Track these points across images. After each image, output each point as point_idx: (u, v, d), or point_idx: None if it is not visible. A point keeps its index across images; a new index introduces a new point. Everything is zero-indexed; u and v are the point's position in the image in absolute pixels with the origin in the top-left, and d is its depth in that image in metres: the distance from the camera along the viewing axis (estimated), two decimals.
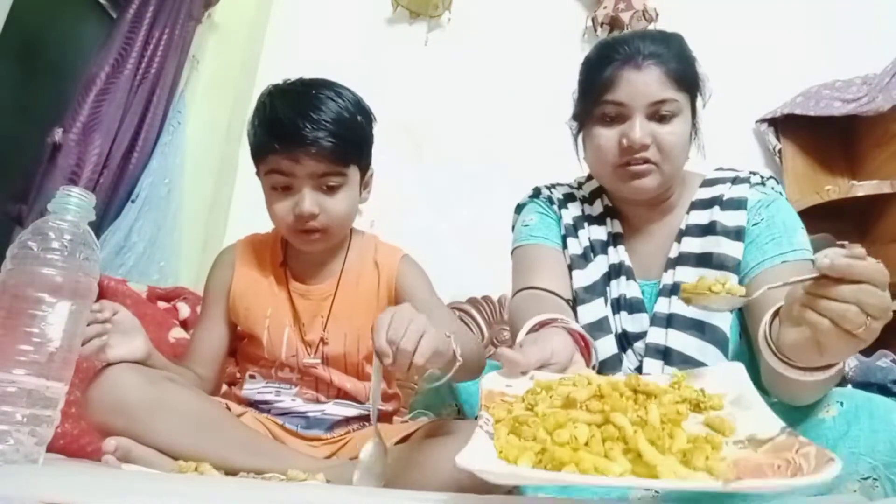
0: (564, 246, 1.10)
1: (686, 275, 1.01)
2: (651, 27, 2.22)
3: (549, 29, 2.34)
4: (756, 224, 1.00)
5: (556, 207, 1.14)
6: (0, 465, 0.62)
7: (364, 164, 1.08)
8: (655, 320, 1.01)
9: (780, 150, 2.08)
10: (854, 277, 0.60)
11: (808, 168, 2.08)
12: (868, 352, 1.56)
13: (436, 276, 1.23)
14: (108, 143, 1.71)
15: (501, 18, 2.38)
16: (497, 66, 2.31)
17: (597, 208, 1.13)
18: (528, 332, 0.85)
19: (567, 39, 2.34)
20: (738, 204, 1.03)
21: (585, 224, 1.11)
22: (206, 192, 2.11)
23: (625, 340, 1.03)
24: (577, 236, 1.10)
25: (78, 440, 1.10)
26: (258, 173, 1.06)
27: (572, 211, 1.13)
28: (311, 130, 0.96)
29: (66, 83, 1.72)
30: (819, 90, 2.03)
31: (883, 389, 1.36)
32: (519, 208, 1.22)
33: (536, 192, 1.19)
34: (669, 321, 1.00)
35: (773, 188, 1.07)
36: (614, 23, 2.22)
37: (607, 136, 1.01)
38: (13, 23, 1.46)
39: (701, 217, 1.05)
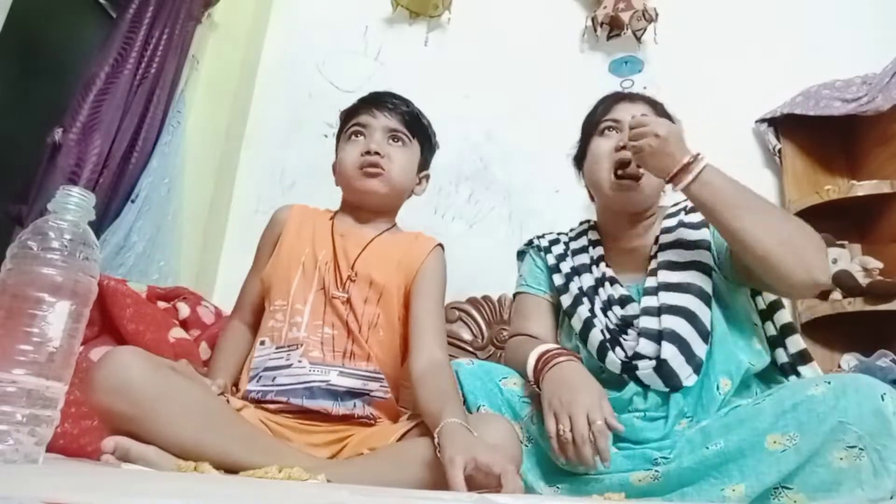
0: (550, 282, 1.31)
1: (667, 276, 1.16)
2: (651, 27, 2.22)
3: (548, 29, 2.34)
4: None
5: (542, 254, 1.36)
6: (0, 465, 0.62)
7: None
8: (646, 311, 1.15)
9: (779, 150, 2.08)
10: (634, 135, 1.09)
11: (808, 168, 2.08)
12: (868, 352, 1.56)
13: None
14: (107, 143, 1.70)
15: (501, 18, 2.38)
16: (497, 66, 2.31)
17: (581, 242, 1.34)
18: (537, 358, 1.09)
19: (567, 39, 2.34)
20: (699, 223, 1.22)
21: (568, 256, 1.32)
22: (206, 192, 2.11)
23: (623, 325, 1.17)
24: (559, 270, 1.30)
25: (78, 440, 1.10)
26: None
27: (555, 251, 1.34)
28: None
29: (66, 83, 1.72)
30: (819, 90, 2.03)
31: None
32: (519, 255, 1.45)
33: (530, 243, 1.41)
34: (659, 310, 1.13)
35: None
36: (614, 23, 2.22)
37: (604, 143, 1.24)
38: (13, 23, 1.46)
39: (674, 235, 1.22)
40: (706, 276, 1.14)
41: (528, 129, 2.20)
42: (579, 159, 1.33)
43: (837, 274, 1.79)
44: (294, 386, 1.08)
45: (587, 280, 1.26)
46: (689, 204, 1.23)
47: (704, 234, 1.19)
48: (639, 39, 2.25)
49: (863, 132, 2.04)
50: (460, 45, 2.37)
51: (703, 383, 1.07)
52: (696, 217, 1.22)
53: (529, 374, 1.09)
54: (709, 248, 1.17)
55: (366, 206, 1.26)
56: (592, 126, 1.28)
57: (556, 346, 1.14)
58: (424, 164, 1.32)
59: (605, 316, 1.19)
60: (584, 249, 1.32)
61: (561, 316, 1.29)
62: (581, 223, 1.41)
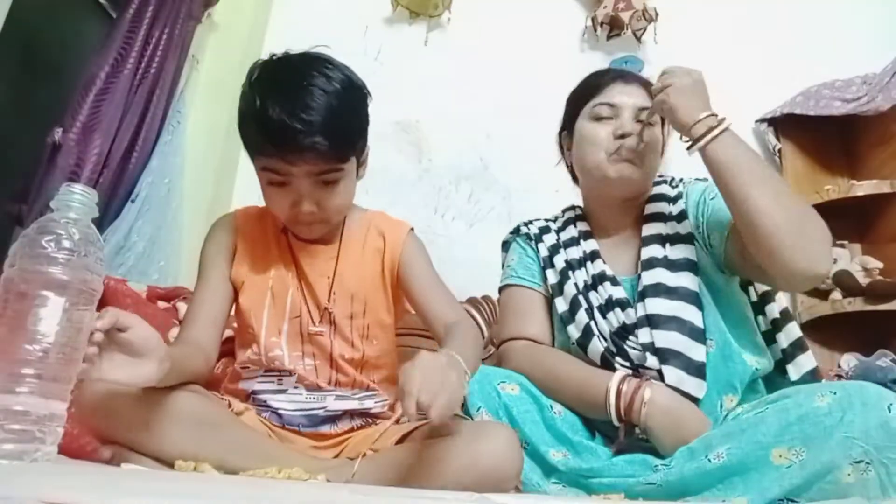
0: (543, 275, 1.24)
1: (659, 276, 1.12)
2: (651, 27, 2.22)
3: (548, 29, 2.34)
4: (713, 198, 1.13)
5: (533, 243, 1.28)
6: (0, 465, 0.62)
7: (360, 150, 1.06)
8: (641, 324, 1.10)
9: (779, 150, 2.09)
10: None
11: (808, 168, 2.09)
12: (868, 352, 1.56)
13: None
14: (107, 143, 1.70)
15: (501, 18, 2.38)
16: (497, 66, 2.31)
17: (570, 233, 1.27)
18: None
19: (567, 39, 2.34)
20: (681, 216, 1.18)
21: (561, 249, 1.25)
22: (206, 192, 2.11)
23: (624, 332, 1.12)
24: (553, 265, 1.23)
25: (78, 440, 1.09)
26: (252, 161, 1.03)
27: (548, 241, 1.27)
28: (305, 136, 0.92)
29: (66, 83, 1.72)
30: (819, 90, 2.03)
31: None
32: (504, 245, 1.36)
33: (517, 230, 1.33)
34: (649, 321, 1.09)
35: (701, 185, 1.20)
36: (614, 22, 2.23)
37: (601, 129, 1.17)
38: (13, 23, 1.46)
39: (658, 228, 1.18)
40: (693, 274, 1.10)
41: (528, 130, 2.19)
42: (565, 137, 1.28)
43: (837, 274, 1.79)
44: (290, 413, 1.04)
45: (581, 277, 1.19)
46: (673, 184, 1.22)
47: (680, 206, 1.17)
48: (639, 39, 2.25)
49: (863, 132, 2.04)
50: (460, 45, 2.37)
51: (704, 401, 1.04)
52: (674, 190, 1.20)
53: (612, 412, 1.03)
54: (691, 241, 1.13)
55: None
56: (582, 104, 1.22)
57: (620, 375, 1.06)
58: (362, 156, 1.10)
59: (605, 319, 1.14)
60: (574, 241, 1.25)
61: (555, 316, 1.22)
62: (565, 210, 1.34)
